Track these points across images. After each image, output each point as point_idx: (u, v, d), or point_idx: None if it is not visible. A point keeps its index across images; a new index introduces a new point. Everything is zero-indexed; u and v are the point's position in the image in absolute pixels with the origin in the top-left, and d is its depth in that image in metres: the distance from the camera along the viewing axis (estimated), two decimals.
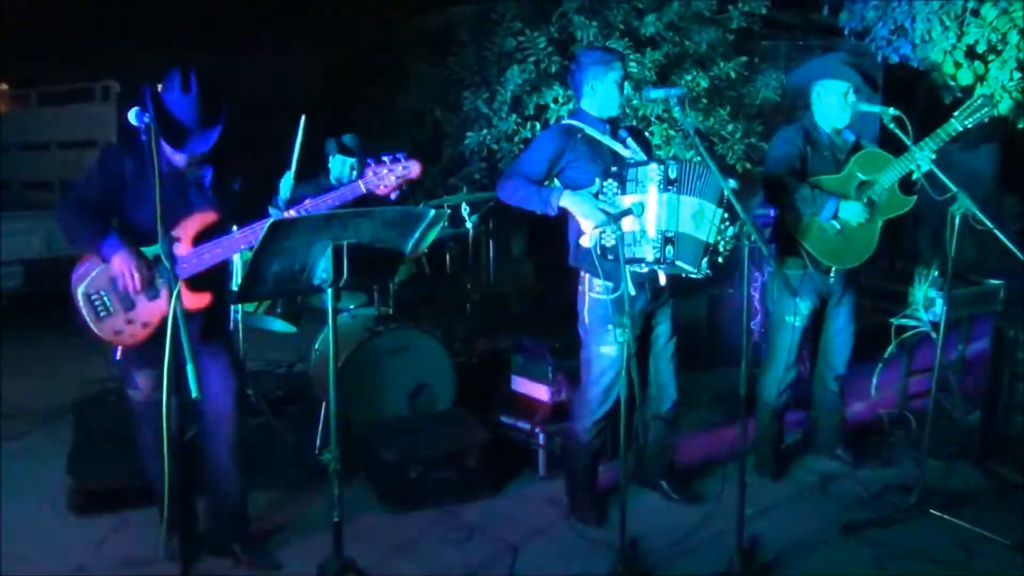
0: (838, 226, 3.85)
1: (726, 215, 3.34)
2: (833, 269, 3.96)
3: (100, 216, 3.03)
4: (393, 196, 3.09)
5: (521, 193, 3.55)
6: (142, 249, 3.02)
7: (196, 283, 3.01)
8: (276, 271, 2.72)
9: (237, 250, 3.06)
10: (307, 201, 3.04)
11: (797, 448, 4.45)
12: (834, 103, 3.94)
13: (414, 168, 3.07)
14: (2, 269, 7.33)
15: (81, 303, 3.06)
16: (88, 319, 3.06)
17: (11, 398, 5.23)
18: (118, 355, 3.10)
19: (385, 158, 3.06)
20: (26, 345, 6.38)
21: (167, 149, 3.02)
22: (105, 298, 3.06)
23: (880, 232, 3.90)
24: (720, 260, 3.40)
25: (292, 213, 2.99)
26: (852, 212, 3.82)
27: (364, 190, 3.04)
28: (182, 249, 2.99)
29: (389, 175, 3.04)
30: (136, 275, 2.95)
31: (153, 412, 3.09)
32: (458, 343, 5.32)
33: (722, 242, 3.36)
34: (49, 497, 3.85)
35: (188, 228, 3.03)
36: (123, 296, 3.03)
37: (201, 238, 3.03)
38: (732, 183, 3.17)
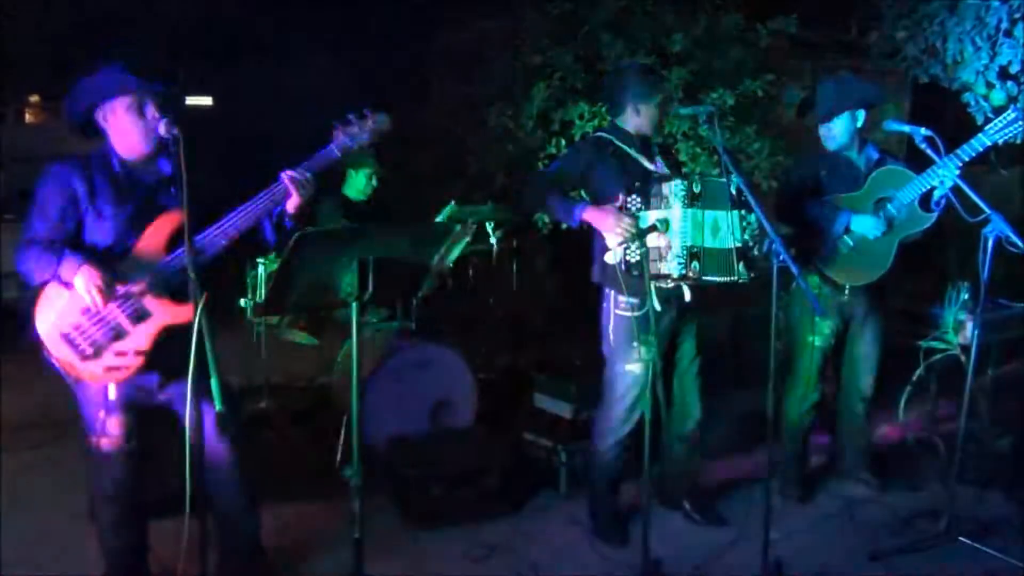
0: (851, 243, 3.80)
1: (742, 211, 3.30)
2: (847, 287, 3.91)
3: (51, 245, 2.74)
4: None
5: (545, 200, 3.56)
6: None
7: (180, 293, 2.69)
8: (301, 284, 2.71)
9: (219, 245, 2.79)
10: (283, 174, 2.85)
11: (822, 472, 4.38)
12: (831, 130, 3.91)
13: (384, 121, 2.94)
14: None
15: (58, 346, 2.71)
16: (73, 361, 2.72)
17: (34, 407, 5.27)
18: (111, 395, 2.81)
19: (350, 116, 2.91)
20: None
21: (118, 148, 2.84)
22: (86, 332, 2.73)
23: (897, 250, 3.82)
24: (755, 254, 3.36)
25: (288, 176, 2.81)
26: (865, 225, 3.76)
27: (338, 154, 2.90)
28: (161, 255, 2.77)
29: (360, 134, 2.91)
30: (102, 288, 2.66)
31: (120, 464, 2.91)
32: (480, 359, 5.29)
33: (748, 239, 3.33)
34: (69, 506, 3.86)
35: (159, 231, 2.79)
36: (106, 326, 2.73)
37: (177, 241, 2.78)
38: (736, 179, 3.15)
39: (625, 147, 3.56)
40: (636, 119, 3.59)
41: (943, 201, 3.67)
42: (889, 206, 3.78)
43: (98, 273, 2.68)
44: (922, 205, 3.77)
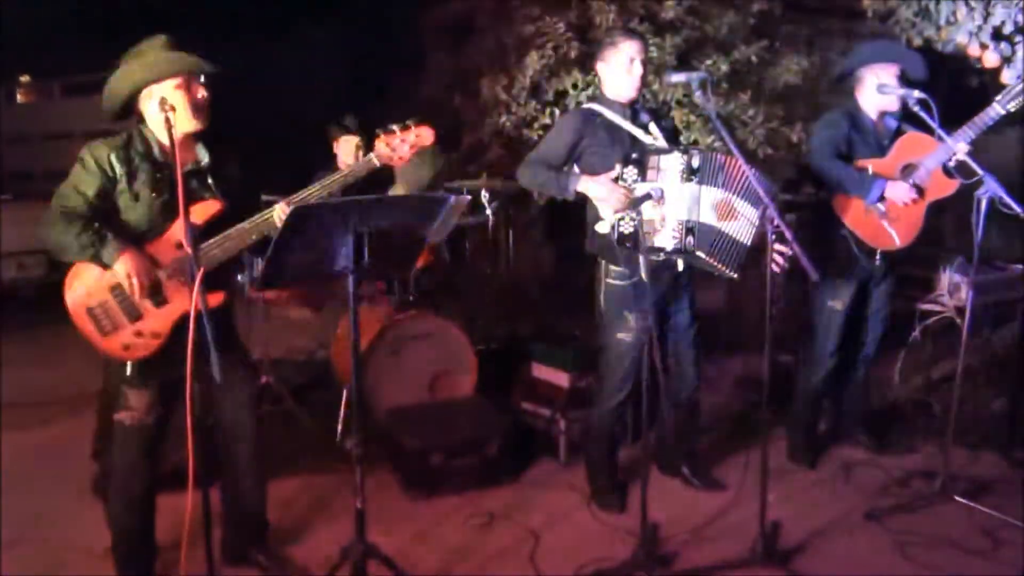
0: (883, 209, 3.80)
1: (767, 210, 3.12)
2: (879, 252, 3.92)
3: (92, 223, 2.74)
4: None
5: (540, 179, 3.56)
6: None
7: (206, 281, 2.60)
8: (298, 257, 2.72)
9: (249, 241, 2.84)
10: (318, 176, 2.89)
11: (821, 434, 4.42)
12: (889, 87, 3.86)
13: (427, 134, 2.93)
14: (27, 259, 7.41)
15: (83, 320, 2.80)
16: (93, 335, 2.81)
17: (38, 386, 5.33)
18: (128, 371, 2.86)
19: (394, 127, 2.91)
20: (51, 334, 6.43)
21: (159, 133, 2.82)
22: (109, 310, 2.80)
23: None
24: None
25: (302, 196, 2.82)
26: (899, 192, 3.76)
27: (378, 164, 2.91)
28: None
29: (402, 145, 2.91)
30: (144, 277, 2.72)
31: (140, 438, 2.94)
32: (478, 330, 5.32)
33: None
34: (74, 482, 3.92)
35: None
36: (128, 306, 2.79)
37: (207, 231, 2.81)
38: (771, 188, 3.08)
39: (613, 117, 3.55)
40: (610, 84, 3.58)
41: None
42: (916, 175, 3.78)
43: (140, 260, 2.73)
44: (943, 171, 3.78)
